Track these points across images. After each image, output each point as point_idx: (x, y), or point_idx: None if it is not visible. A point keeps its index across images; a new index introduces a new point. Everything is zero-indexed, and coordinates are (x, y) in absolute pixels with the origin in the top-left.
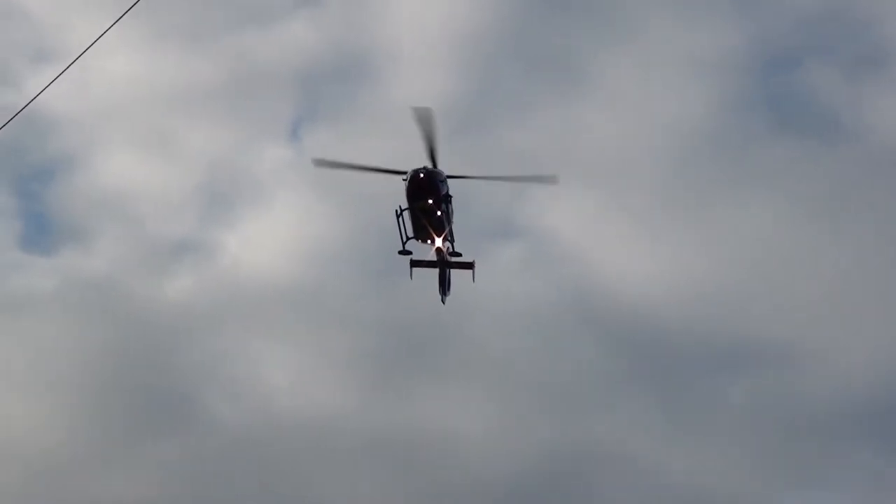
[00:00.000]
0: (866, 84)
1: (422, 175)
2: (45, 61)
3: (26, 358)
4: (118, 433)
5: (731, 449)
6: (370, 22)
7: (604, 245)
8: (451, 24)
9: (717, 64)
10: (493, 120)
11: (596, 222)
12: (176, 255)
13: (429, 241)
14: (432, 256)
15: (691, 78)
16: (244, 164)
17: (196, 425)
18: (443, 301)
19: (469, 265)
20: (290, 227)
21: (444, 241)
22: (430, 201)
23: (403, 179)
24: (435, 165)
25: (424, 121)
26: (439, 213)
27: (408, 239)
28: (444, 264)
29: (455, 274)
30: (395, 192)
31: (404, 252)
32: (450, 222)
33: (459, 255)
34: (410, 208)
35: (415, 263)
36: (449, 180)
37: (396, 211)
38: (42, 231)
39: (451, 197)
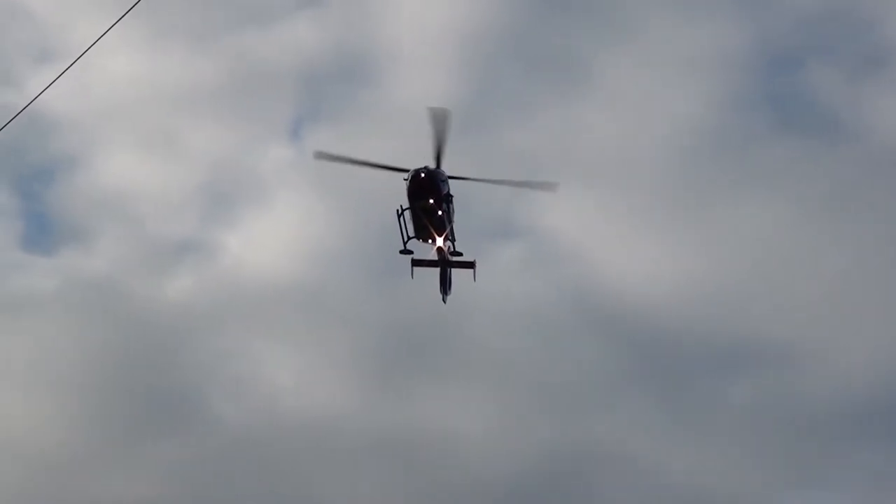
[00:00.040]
0: (868, 84)
1: (423, 175)
2: (47, 61)
3: (27, 358)
4: (120, 433)
5: (731, 449)
6: (371, 22)
7: (604, 245)
8: (451, 25)
9: (718, 64)
10: (494, 120)
11: (596, 222)
12: (177, 254)
13: (430, 241)
14: (433, 256)
15: (692, 78)
16: (245, 163)
17: (198, 425)
18: (444, 300)
19: (470, 264)
20: (292, 227)
21: (445, 240)
22: (432, 201)
23: (405, 179)
24: (439, 166)
25: (439, 121)
26: (440, 212)
27: (409, 238)
28: (445, 264)
29: (456, 273)
30: (397, 192)
31: (405, 251)
32: (451, 222)
33: (460, 254)
34: (412, 208)
35: (416, 263)
36: (450, 180)
37: (397, 210)
38: (43, 231)
39: (451, 196)
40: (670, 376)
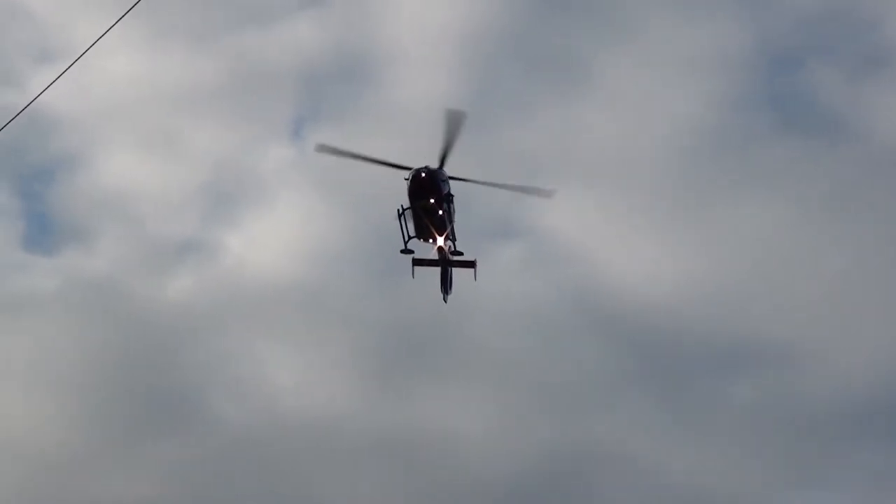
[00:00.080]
0: (868, 84)
1: (423, 174)
2: (47, 61)
3: (28, 358)
4: (121, 433)
5: (731, 449)
6: (372, 22)
7: (605, 245)
8: (452, 25)
9: (718, 64)
10: (494, 120)
11: (597, 222)
12: (178, 255)
13: (430, 241)
14: (434, 255)
15: (692, 78)
16: (247, 163)
17: (198, 425)
18: (445, 300)
19: (471, 264)
20: (293, 227)
21: (445, 240)
22: (432, 200)
23: (405, 179)
24: (442, 166)
25: (454, 123)
26: (441, 212)
27: (410, 238)
28: (446, 263)
29: (456, 273)
30: (398, 192)
31: (406, 251)
32: (451, 221)
33: (461, 254)
34: (412, 207)
35: (417, 262)
36: (450, 181)
37: (398, 210)
38: (44, 231)
39: (452, 196)
40: (670, 376)
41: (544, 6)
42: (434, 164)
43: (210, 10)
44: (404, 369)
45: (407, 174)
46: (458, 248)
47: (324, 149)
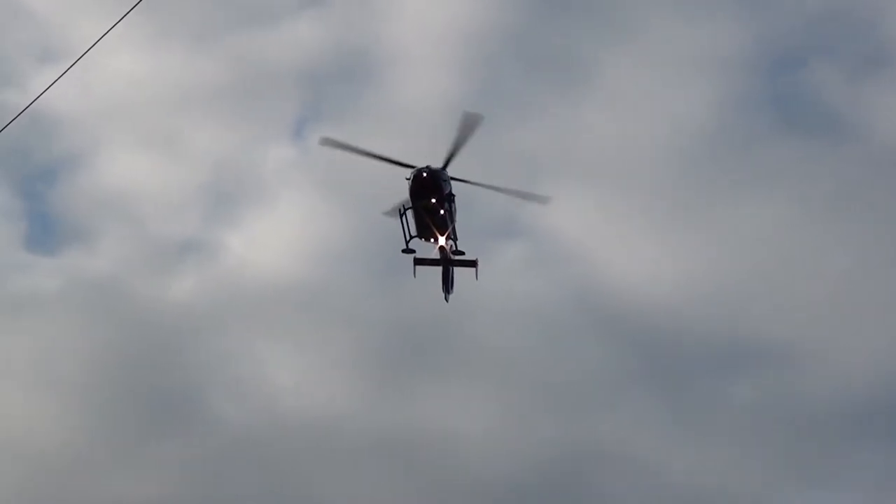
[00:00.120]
0: (870, 84)
1: (425, 174)
2: (49, 61)
3: (30, 358)
4: (122, 433)
5: (733, 449)
6: (374, 22)
7: (606, 245)
8: (454, 24)
9: (720, 64)
10: (496, 119)
11: (598, 222)
12: (180, 255)
13: (432, 240)
14: (435, 255)
15: (694, 78)
16: (248, 163)
17: (200, 425)
18: (446, 299)
19: (472, 263)
20: (295, 227)
21: (447, 239)
22: (434, 200)
23: (407, 178)
24: (446, 166)
25: (468, 126)
26: (442, 211)
27: (411, 238)
28: (448, 262)
29: (458, 272)
30: (399, 191)
31: (408, 251)
32: (453, 221)
33: (462, 253)
34: (414, 207)
35: (418, 261)
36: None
37: (400, 210)
38: (46, 231)
39: (454, 196)
40: (672, 376)
41: (545, 6)
42: (435, 164)
43: (211, 9)
44: (406, 369)
45: (408, 174)
46: (460, 248)
47: (328, 142)
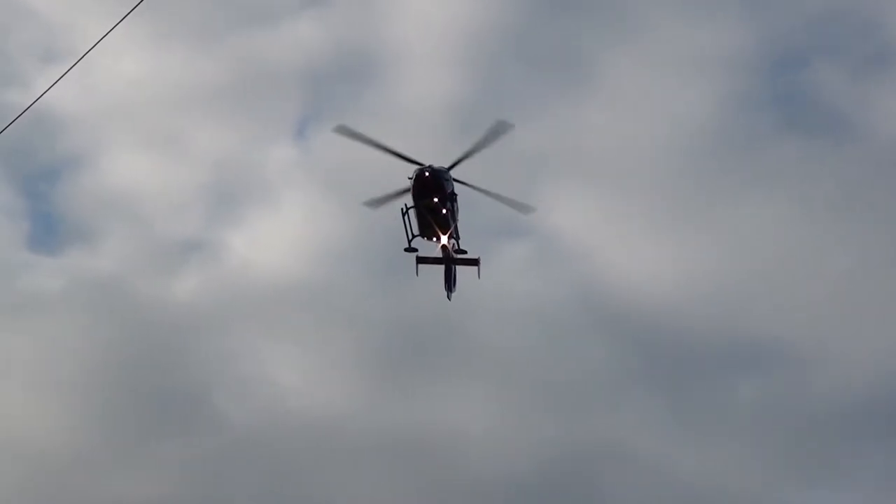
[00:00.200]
0: (872, 84)
1: (427, 174)
2: (52, 61)
3: (33, 358)
4: (125, 433)
5: (737, 448)
6: (376, 22)
7: (609, 244)
8: (456, 24)
9: (723, 63)
10: (498, 119)
11: (601, 221)
12: (183, 254)
13: (434, 239)
14: (438, 254)
15: (696, 78)
16: (250, 163)
17: (203, 425)
18: (448, 297)
19: (474, 262)
20: (297, 227)
21: (449, 238)
22: (436, 199)
23: (409, 178)
24: (451, 167)
25: (495, 134)
26: (444, 210)
27: (414, 237)
28: (450, 261)
29: (460, 271)
30: (400, 190)
31: (410, 249)
32: (455, 220)
33: (464, 252)
34: (416, 206)
35: (421, 260)
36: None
37: (402, 209)
38: (49, 231)
39: (456, 195)
40: (674, 375)
41: (546, 6)
42: (440, 163)
43: (214, 10)
44: (407, 368)
45: (410, 173)
46: (462, 247)
47: (343, 130)
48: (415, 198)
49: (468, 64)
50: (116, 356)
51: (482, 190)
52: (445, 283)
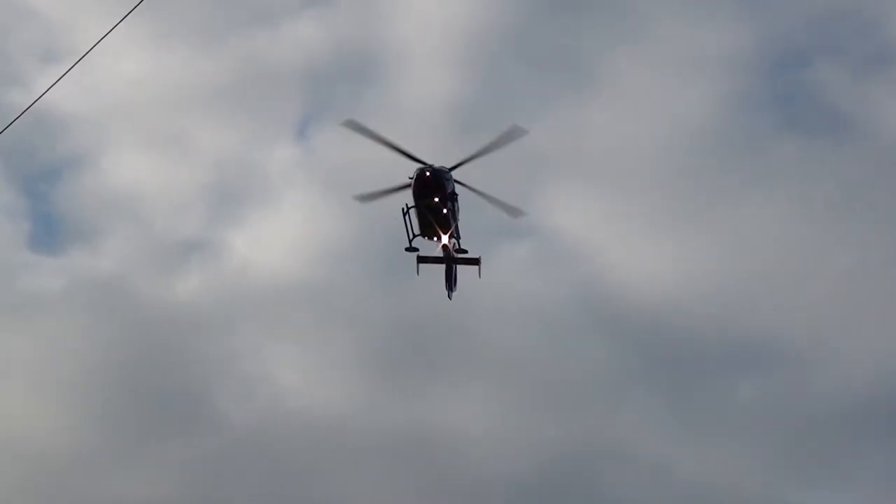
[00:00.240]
0: (874, 84)
1: (428, 173)
2: (53, 61)
3: (34, 358)
4: (127, 432)
5: (738, 447)
6: (377, 22)
7: (610, 244)
8: (457, 24)
9: (723, 63)
10: (499, 119)
11: (603, 221)
12: (184, 254)
13: (435, 238)
14: (438, 253)
15: (697, 77)
16: (252, 163)
17: (205, 424)
18: (449, 297)
19: (475, 261)
20: (298, 227)
21: (450, 237)
22: (436, 199)
23: (410, 178)
24: (453, 168)
25: (508, 138)
26: (445, 210)
27: (414, 236)
28: (451, 260)
29: (461, 271)
30: (402, 191)
31: (411, 249)
32: (455, 219)
33: (465, 251)
34: (417, 206)
35: (421, 259)
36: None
37: (403, 209)
38: (50, 231)
39: (457, 195)
40: (676, 375)
41: (547, 6)
42: (440, 163)
43: (215, 9)
44: (408, 368)
45: (411, 173)
46: (463, 246)
47: (351, 125)
48: (416, 197)
49: (468, 64)
50: (117, 356)
51: (475, 191)
52: (446, 282)
